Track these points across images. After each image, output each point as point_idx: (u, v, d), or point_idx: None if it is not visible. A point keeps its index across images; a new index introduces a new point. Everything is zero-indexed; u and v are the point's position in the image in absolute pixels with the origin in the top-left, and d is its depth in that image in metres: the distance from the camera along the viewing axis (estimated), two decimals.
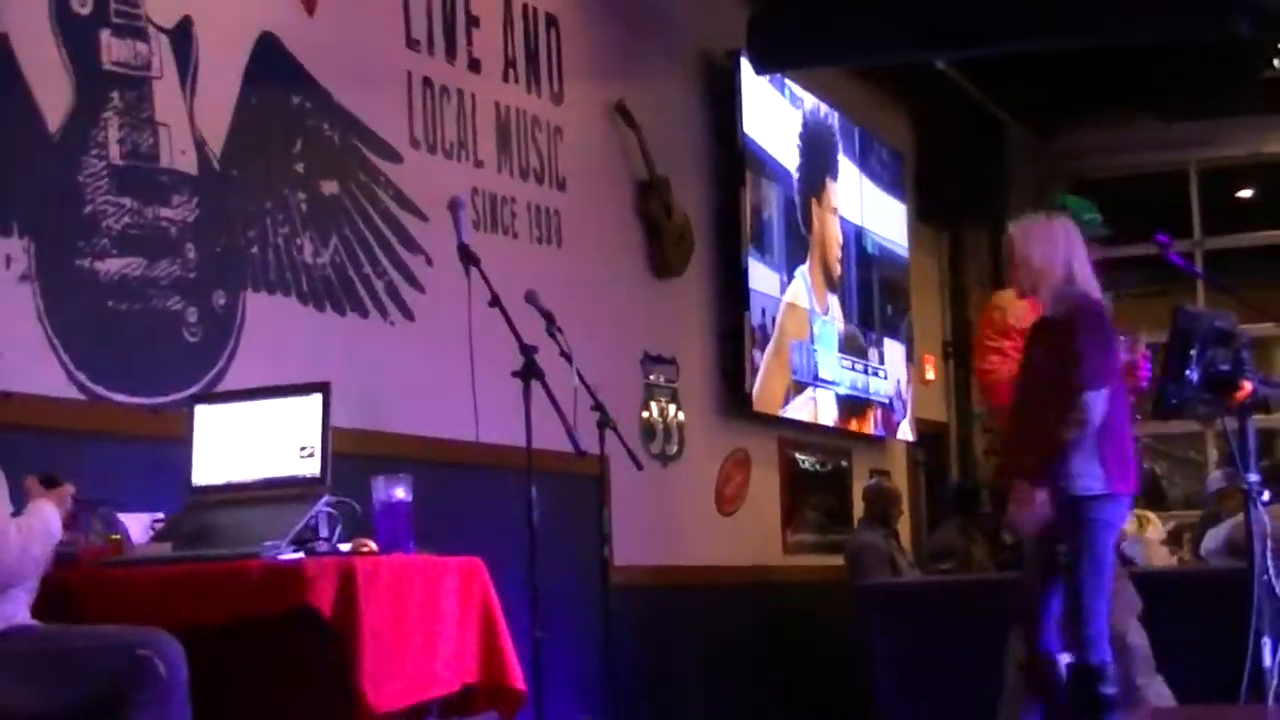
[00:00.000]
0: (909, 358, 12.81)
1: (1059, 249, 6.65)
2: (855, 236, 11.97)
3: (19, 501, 4.38)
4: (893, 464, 12.64)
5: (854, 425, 11.66)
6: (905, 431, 12.59)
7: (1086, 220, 7.11)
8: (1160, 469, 14.41)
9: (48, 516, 4.32)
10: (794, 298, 10.72)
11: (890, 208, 12.76)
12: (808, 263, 11.04)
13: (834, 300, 11.49)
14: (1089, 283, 6.67)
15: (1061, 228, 6.74)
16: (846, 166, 11.91)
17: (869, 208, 12.26)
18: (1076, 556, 6.45)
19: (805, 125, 11.24)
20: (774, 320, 10.35)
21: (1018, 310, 7.05)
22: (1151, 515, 10.96)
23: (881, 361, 12.18)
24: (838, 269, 11.63)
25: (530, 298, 6.29)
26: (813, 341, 10.97)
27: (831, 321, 11.39)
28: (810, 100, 11.31)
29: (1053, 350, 6.54)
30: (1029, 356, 6.76)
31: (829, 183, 11.62)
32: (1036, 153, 14.61)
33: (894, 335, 12.47)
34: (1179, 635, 7.67)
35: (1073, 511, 6.44)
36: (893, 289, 12.62)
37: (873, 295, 12.17)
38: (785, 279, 10.63)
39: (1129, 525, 10.64)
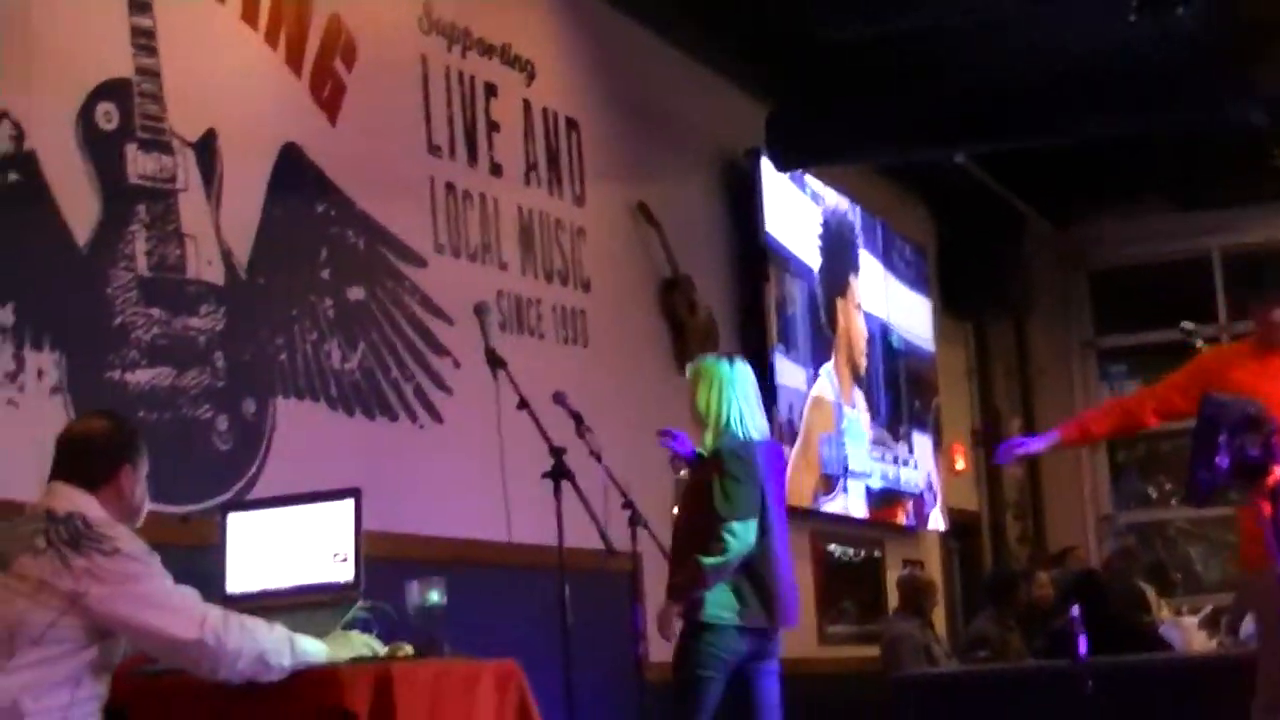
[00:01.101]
0: (937, 448, 12.79)
1: (718, 391, 6.76)
2: (881, 332, 12.00)
3: None
4: (926, 553, 12.60)
5: (886, 516, 11.65)
6: (937, 521, 12.56)
7: None
8: (1194, 553, 14.38)
9: (302, 646, 4.36)
10: (820, 392, 10.73)
11: (914, 302, 12.80)
12: (833, 359, 11.05)
13: (859, 395, 11.50)
14: (751, 421, 6.83)
15: (722, 370, 6.84)
16: (869, 262, 11.95)
17: (893, 303, 12.30)
18: (675, 676, 6.56)
19: (827, 222, 11.29)
20: (800, 414, 10.35)
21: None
22: (1161, 602, 10.92)
23: (911, 453, 12.17)
24: (863, 364, 11.65)
25: (558, 399, 6.31)
26: (841, 435, 10.97)
27: (859, 416, 11.39)
28: (832, 196, 11.37)
29: (703, 484, 6.64)
30: (687, 490, 6.92)
31: (852, 279, 11.66)
32: (1056, 242, 14.66)
33: (921, 428, 12.47)
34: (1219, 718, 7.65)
35: (694, 636, 6.56)
36: (919, 382, 12.64)
37: (900, 389, 12.18)
38: (811, 374, 10.64)
39: (1164, 611, 10.62)
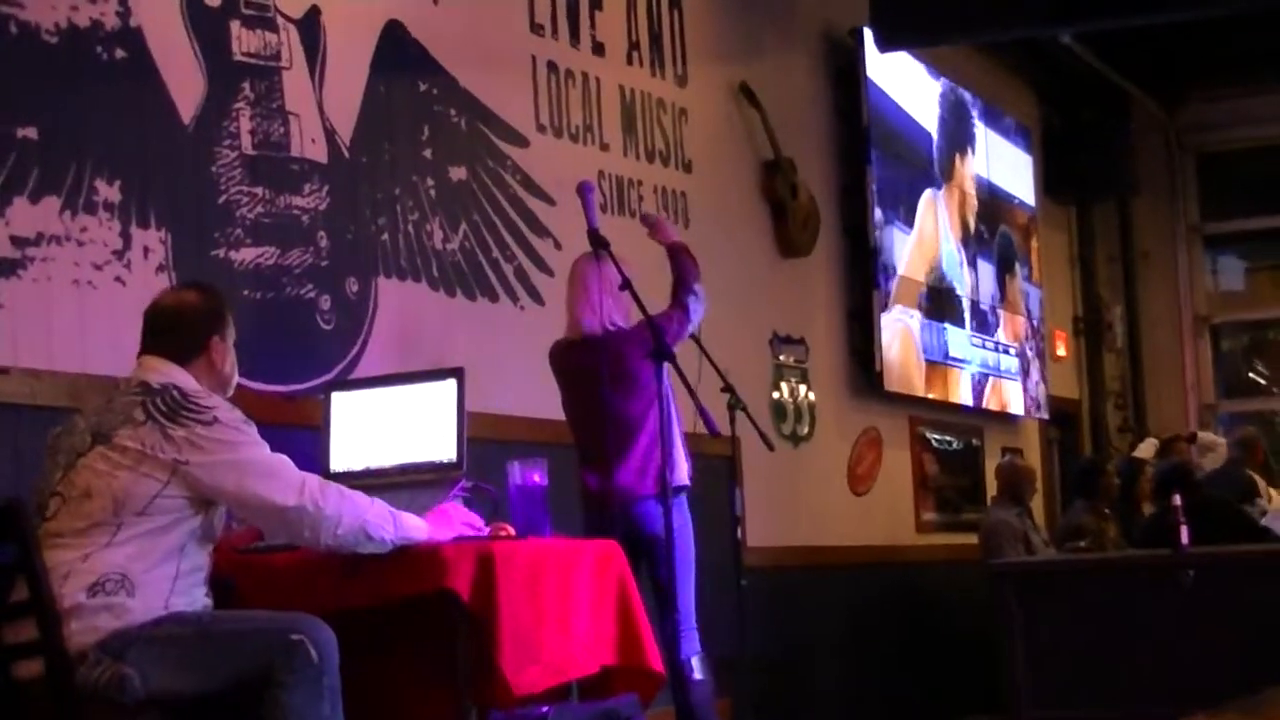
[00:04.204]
0: (1030, 326, 12.59)
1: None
2: (986, 187, 11.94)
3: None
4: (1025, 442, 12.53)
5: (985, 404, 11.57)
6: (1020, 402, 12.36)
7: None
8: None
9: (405, 522, 4.39)
10: (921, 228, 10.69)
11: (1017, 159, 12.67)
12: (943, 189, 11.05)
13: (964, 254, 11.43)
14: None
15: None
16: (979, 130, 11.91)
17: (994, 163, 12.16)
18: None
19: (944, 97, 11.22)
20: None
21: None
22: (1275, 492, 10.83)
23: (997, 323, 12.01)
24: (972, 222, 11.57)
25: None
26: (941, 320, 10.88)
27: (963, 274, 11.33)
28: (930, 81, 11.23)
29: None
30: None
31: (968, 151, 11.62)
32: (1164, 125, 14.43)
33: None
34: None
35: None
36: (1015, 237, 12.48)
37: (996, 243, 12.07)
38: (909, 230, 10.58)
39: (1275, 500, 10.54)
